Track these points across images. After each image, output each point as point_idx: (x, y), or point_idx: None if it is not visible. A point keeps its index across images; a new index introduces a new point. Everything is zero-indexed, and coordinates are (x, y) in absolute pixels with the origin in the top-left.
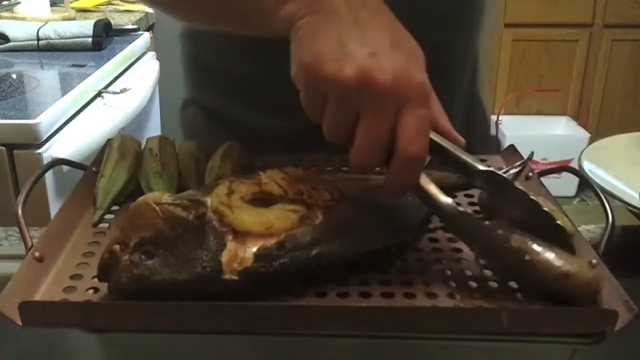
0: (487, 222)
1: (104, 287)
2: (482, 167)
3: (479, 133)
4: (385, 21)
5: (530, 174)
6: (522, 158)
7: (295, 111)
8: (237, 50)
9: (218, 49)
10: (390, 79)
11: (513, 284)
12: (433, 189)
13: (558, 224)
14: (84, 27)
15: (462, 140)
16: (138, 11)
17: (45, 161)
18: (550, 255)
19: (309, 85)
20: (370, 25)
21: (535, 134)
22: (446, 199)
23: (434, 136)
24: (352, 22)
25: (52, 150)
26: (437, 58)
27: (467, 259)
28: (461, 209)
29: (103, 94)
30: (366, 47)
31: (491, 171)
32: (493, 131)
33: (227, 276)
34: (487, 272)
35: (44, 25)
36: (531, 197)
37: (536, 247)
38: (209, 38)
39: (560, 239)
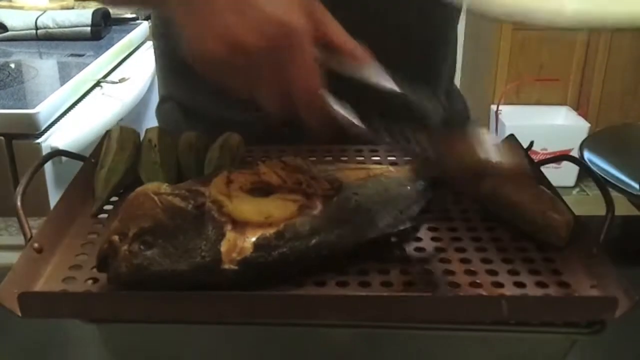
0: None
1: (103, 277)
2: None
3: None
4: None
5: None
6: (522, 148)
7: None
8: None
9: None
10: (255, 36)
11: (512, 274)
12: (349, 117)
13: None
14: (83, 16)
15: (366, 55)
16: None
17: (44, 151)
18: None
19: (198, 68)
20: None
21: (535, 123)
22: (362, 124)
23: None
24: None
25: (51, 140)
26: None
27: (466, 247)
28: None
29: (102, 84)
30: (223, 6)
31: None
32: (493, 124)
33: (226, 266)
34: (487, 262)
35: (42, 14)
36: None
37: (520, 193)
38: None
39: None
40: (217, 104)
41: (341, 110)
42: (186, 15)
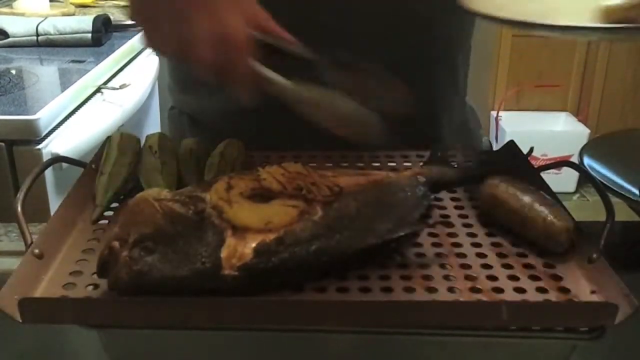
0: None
1: (103, 283)
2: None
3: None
4: None
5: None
6: (522, 154)
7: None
8: None
9: None
10: (207, 54)
11: (513, 279)
12: (274, 76)
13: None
14: (83, 23)
15: (293, 39)
16: None
17: (45, 157)
18: (531, 206)
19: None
20: None
21: (535, 129)
22: (285, 80)
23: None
24: None
25: (51, 146)
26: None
27: (466, 253)
28: (299, 84)
29: (102, 90)
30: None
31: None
32: (493, 129)
33: (226, 272)
34: (487, 268)
35: (43, 20)
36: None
37: (520, 199)
38: None
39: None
40: (224, 115)
41: (273, 76)
42: (139, 15)
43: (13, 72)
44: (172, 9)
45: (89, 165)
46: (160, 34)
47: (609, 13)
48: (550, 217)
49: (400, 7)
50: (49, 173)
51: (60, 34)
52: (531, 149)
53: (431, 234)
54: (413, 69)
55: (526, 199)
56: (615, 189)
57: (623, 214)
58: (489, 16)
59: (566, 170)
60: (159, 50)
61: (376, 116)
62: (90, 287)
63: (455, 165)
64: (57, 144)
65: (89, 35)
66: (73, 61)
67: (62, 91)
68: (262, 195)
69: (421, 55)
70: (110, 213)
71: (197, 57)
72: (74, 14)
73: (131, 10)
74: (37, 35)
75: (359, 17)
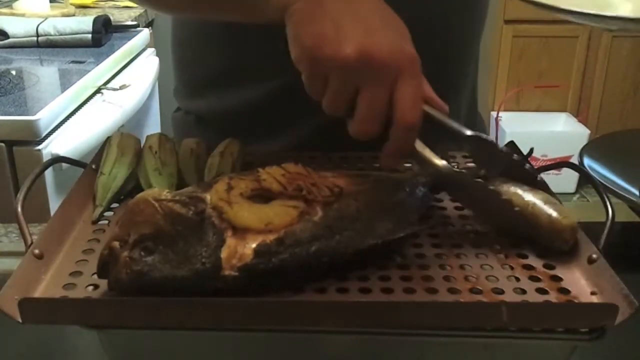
0: (479, 180)
1: (103, 283)
2: (469, 132)
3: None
4: (373, 1)
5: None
6: (522, 154)
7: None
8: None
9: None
10: (387, 53)
11: (513, 280)
12: (429, 153)
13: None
14: (84, 24)
15: (446, 107)
16: (137, 7)
17: (45, 158)
18: (535, 204)
19: (312, 66)
20: (360, 6)
21: (535, 130)
22: (442, 162)
23: (424, 106)
24: (344, 5)
25: (51, 147)
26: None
27: (467, 254)
28: (456, 169)
29: (102, 91)
30: (360, 26)
31: (477, 135)
32: (493, 130)
33: (226, 272)
34: (487, 269)
35: (43, 21)
36: (514, 157)
37: (524, 198)
38: (197, 41)
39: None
40: (234, 116)
41: (427, 154)
42: (314, 15)
43: (13, 72)
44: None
45: (89, 166)
46: (344, 35)
47: None
48: (555, 215)
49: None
50: (49, 173)
51: (61, 34)
52: (531, 150)
53: (431, 235)
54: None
55: (530, 197)
56: (615, 189)
57: (623, 214)
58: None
59: (566, 170)
60: (335, 55)
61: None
62: (91, 288)
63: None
64: (57, 145)
65: (89, 36)
66: (73, 62)
67: (62, 92)
68: (262, 196)
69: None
70: (110, 213)
71: (361, 124)
72: (74, 15)
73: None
74: (37, 36)
75: None
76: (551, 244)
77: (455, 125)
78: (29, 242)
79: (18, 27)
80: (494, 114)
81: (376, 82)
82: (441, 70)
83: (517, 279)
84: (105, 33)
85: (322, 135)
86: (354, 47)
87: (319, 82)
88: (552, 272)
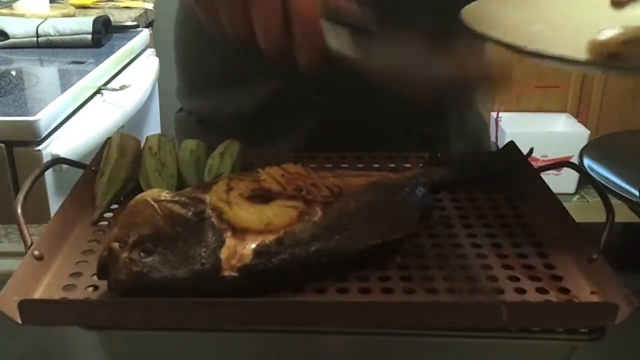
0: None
1: (103, 284)
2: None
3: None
4: None
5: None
6: (522, 155)
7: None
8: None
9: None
10: (274, 30)
11: (513, 280)
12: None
13: None
14: (83, 24)
15: (358, 10)
16: (137, 8)
17: (45, 158)
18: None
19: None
20: None
21: (535, 130)
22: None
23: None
24: None
25: (51, 147)
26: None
27: (467, 254)
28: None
29: (102, 91)
30: None
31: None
32: (493, 130)
33: (226, 273)
34: (487, 269)
35: (43, 21)
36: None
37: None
38: (199, 41)
39: None
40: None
41: (337, 44)
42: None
43: (13, 73)
44: None
45: (88, 167)
46: (223, 15)
47: (603, 46)
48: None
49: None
50: (48, 175)
51: (60, 35)
52: (531, 150)
53: (431, 235)
54: None
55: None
56: (615, 190)
57: (623, 215)
58: (494, 39)
59: (566, 171)
60: (221, 33)
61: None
62: (90, 289)
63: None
64: (57, 145)
65: (89, 36)
66: (73, 62)
67: (62, 92)
68: (261, 196)
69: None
70: (110, 214)
71: (265, 34)
72: (74, 15)
73: None
74: (37, 36)
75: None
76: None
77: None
78: (29, 243)
79: (18, 28)
80: (494, 114)
81: None
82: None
83: (517, 279)
84: (105, 33)
85: (323, 135)
86: None
87: (211, 11)
88: (552, 272)
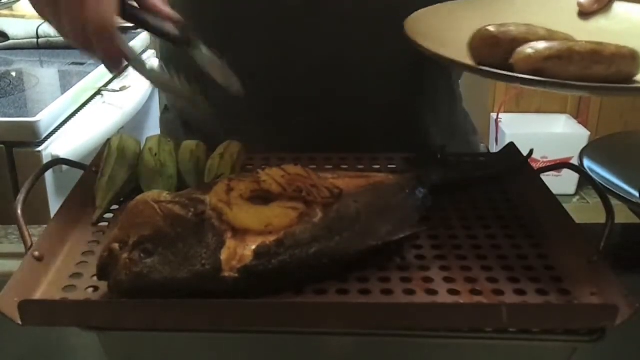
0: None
1: (103, 285)
2: (177, 33)
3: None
4: None
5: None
6: (522, 156)
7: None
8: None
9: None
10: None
11: (513, 281)
12: (132, 52)
13: None
14: None
15: (175, 15)
16: None
17: (45, 159)
18: None
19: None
20: None
21: (535, 132)
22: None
23: (137, 12)
24: None
25: (51, 148)
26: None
27: (467, 255)
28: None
29: (102, 92)
30: None
31: (186, 36)
32: (493, 131)
33: (226, 274)
34: (487, 270)
35: (43, 22)
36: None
37: None
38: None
39: None
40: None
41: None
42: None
43: (13, 74)
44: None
45: (89, 168)
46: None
47: (525, 61)
48: None
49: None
50: (49, 175)
51: (61, 36)
52: (531, 151)
53: (431, 236)
54: (406, 74)
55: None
56: (615, 191)
57: (623, 215)
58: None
59: (566, 172)
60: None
61: (201, 98)
62: (91, 290)
63: (456, 168)
64: (57, 146)
65: None
66: (73, 63)
67: (62, 93)
68: (262, 198)
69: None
70: (110, 215)
71: (71, 38)
72: None
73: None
74: (38, 37)
75: (350, 20)
76: None
77: (167, 28)
78: (29, 244)
79: (18, 29)
80: (494, 115)
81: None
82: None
83: (517, 280)
84: None
85: (309, 133)
86: None
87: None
88: (552, 273)
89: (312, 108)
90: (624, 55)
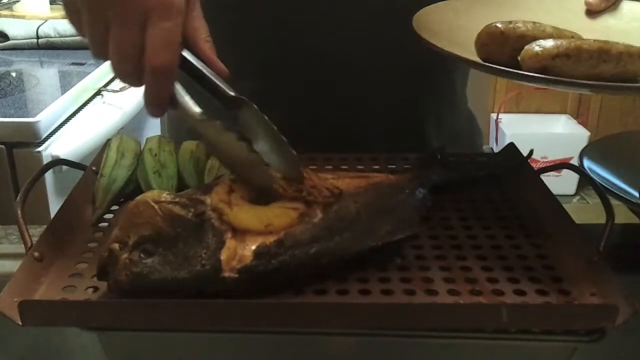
0: (230, 132)
1: (103, 285)
2: (232, 93)
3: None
4: None
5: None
6: (522, 156)
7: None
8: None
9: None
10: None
11: (513, 281)
12: (188, 101)
13: None
14: None
15: (225, 70)
16: None
17: (45, 160)
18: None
19: (67, 5)
20: None
21: (535, 132)
22: (196, 109)
23: (190, 58)
24: None
25: (51, 149)
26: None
27: (467, 256)
28: (206, 117)
29: (102, 92)
30: None
31: (240, 97)
32: (493, 132)
33: (226, 274)
34: (487, 270)
35: (43, 23)
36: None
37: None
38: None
39: None
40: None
41: (186, 101)
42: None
43: (13, 74)
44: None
45: (89, 168)
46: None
47: (533, 59)
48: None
49: (395, 9)
50: (49, 175)
51: (61, 36)
52: (531, 152)
53: (431, 236)
54: (410, 74)
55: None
56: (615, 191)
57: (623, 216)
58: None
59: (566, 172)
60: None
61: (265, 164)
62: (90, 290)
63: (456, 168)
64: (57, 147)
65: None
66: (73, 64)
67: (62, 94)
68: (262, 198)
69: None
70: (110, 215)
71: (116, 65)
72: None
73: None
74: (38, 37)
75: (350, 20)
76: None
77: (221, 84)
78: (29, 245)
79: (18, 29)
80: (494, 115)
81: (119, 20)
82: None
83: (517, 280)
84: None
85: (308, 133)
86: None
87: (76, 23)
88: (552, 273)
89: (312, 108)
90: (632, 54)
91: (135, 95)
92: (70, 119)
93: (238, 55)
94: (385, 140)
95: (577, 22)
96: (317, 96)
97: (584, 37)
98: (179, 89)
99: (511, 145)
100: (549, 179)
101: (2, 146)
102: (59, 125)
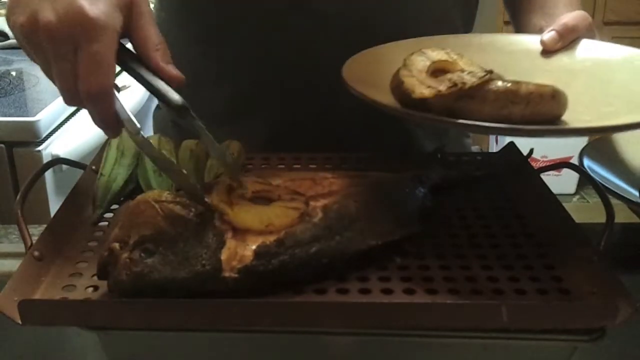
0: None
1: (103, 285)
2: (177, 101)
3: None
4: None
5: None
6: (522, 155)
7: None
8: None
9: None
10: (54, 18)
11: (513, 280)
12: (129, 118)
13: None
14: None
15: (178, 76)
16: None
17: (45, 159)
18: None
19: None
20: None
21: None
22: (136, 126)
23: (137, 67)
24: None
25: (51, 148)
26: None
27: (466, 255)
28: (142, 135)
29: None
30: None
31: (183, 105)
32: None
33: (226, 274)
34: (487, 269)
35: None
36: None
37: None
38: (174, 44)
39: None
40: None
41: (127, 119)
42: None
43: (13, 74)
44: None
45: (88, 167)
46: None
47: (433, 101)
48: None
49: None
50: (48, 175)
51: None
52: (531, 151)
53: (431, 236)
54: None
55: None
56: (615, 190)
57: (623, 215)
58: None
59: (566, 171)
60: (13, 25)
61: (198, 188)
62: (90, 289)
63: (456, 167)
64: (57, 146)
65: None
66: None
67: None
68: (263, 197)
69: None
70: (110, 215)
71: (61, 90)
72: None
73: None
74: None
75: (334, 22)
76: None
77: (166, 93)
78: (29, 244)
79: None
80: None
81: (53, 52)
82: None
83: (517, 280)
84: None
85: (294, 133)
86: (25, 15)
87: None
88: (551, 273)
89: (296, 107)
90: (542, 95)
91: (135, 95)
92: (70, 118)
93: (221, 57)
94: (368, 140)
95: (528, 62)
96: (299, 96)
97: (534, 77)
98: (120, 107)
99: (511, 145)
100: (548, 178)
101: (2, 145)
102: (59, 125)
